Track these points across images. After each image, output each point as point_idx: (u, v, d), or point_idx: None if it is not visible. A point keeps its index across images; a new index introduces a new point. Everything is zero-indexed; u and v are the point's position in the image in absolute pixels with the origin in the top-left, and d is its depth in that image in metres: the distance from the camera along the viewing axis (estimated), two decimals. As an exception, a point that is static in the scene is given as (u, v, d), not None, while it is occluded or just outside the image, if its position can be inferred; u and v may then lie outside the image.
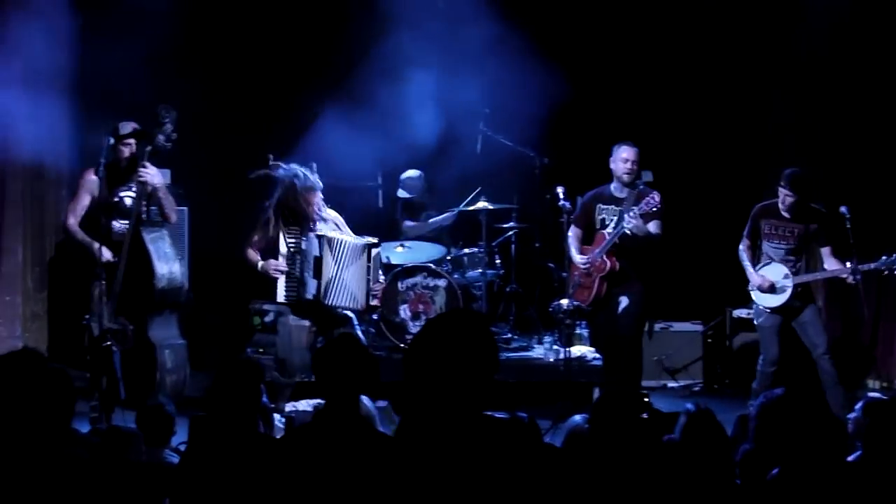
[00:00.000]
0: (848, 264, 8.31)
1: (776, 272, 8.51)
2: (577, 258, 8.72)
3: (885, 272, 8.34)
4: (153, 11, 9.84)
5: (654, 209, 8.44)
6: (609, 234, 8.60)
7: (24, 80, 9.46)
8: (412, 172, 10.76)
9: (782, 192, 8.40)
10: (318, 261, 8.17)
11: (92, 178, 8.06)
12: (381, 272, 8.47)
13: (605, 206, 8.72)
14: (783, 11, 10.43)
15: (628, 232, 8.40)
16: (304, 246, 8.16)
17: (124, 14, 9.88)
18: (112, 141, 8.02)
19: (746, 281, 8.68)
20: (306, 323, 8.16)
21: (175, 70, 10.17)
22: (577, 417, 5.20)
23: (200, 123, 8.45)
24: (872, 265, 8.30)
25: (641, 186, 8.60)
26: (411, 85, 10.27)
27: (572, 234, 8.89)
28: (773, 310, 8.56)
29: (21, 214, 10.07)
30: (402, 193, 10.71)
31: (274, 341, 9.66)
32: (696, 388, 10.17)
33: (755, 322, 8.83)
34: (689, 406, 4.76)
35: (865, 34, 9.96)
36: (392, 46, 10.37)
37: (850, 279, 8.32)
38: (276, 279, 8.16)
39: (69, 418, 4.02)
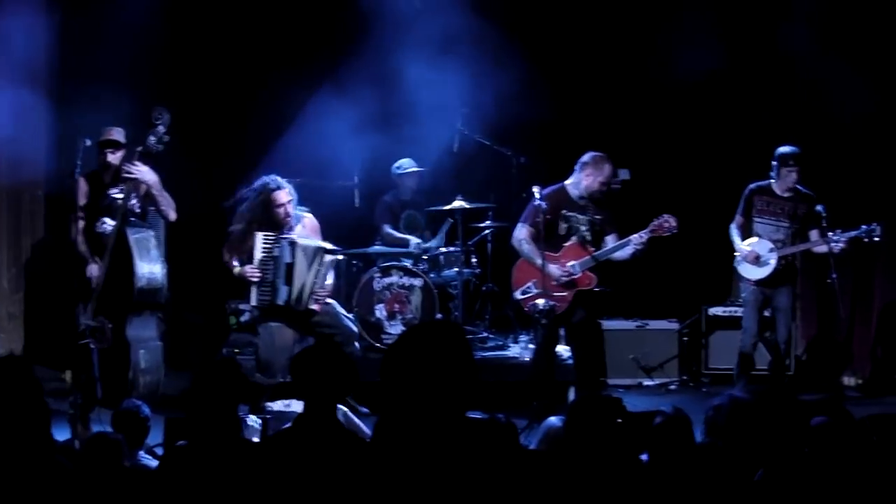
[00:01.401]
0: (829, 234, 8.62)
1: (762, 246, 8.87)
2: (555, 270, 8.30)
3: (865, 239, 8.70)
4: (133, 9, 9.84)
5: (670, 234, 8.34)
6: (597, 246, 8.46)
7: (2, 82, 9.42)
8: (410, 166, 10.64)
9: (786, 169, 8.77)
10: (290, 267, 8.24)
11: (82, 183, 8.04)
12: (328, 278, 8.46)
13: (570, 213, 8.44)
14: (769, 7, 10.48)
15: (627, 256, 8.37)
16: (276, 252, 8.23)
17: (104, 11, 9.88)
18: (88, 142, 8.00)
19: (724, 278, 8.87)
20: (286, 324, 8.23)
21: (154, 69, 10.16)
22: (553, 419, 5.23)
23: (180, 121, 8.43)
24: (853, 233, 8.66)
25: (615, 188, 8.60)
26: (388, 84, 10.26)
27: (528, 235, 8.43)
28: (757, 282, 8.85)
29: (-3, 216, 10.04)
30: (388, 197, 10.63)
31: (250, 340, 9.69)
32: (672, 387, 10.20)
33: (741, 295, 9.16)
34: (661, 412, 4.78)
35: (849, 28, 10.02)
36: (369, 46, 10.37)
37: (834, 247, 8.61)
38: (249, 284, 8.21)
39: (47, 426, 4.03)
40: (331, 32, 10.88)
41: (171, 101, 8.44)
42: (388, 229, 10.45)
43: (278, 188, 8.38)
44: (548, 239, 8.32)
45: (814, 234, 8.88)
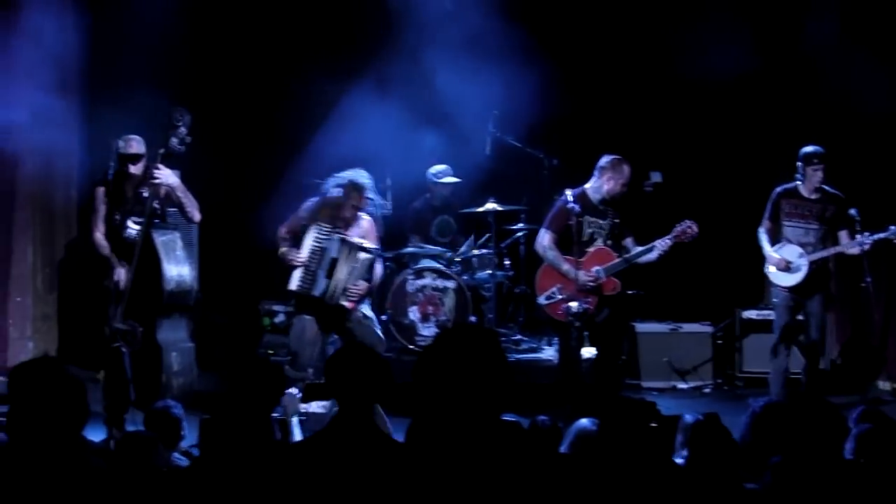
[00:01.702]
0: (857, 237, 8.56)
1: (791, 252, 8.77)
2: (584, 277, 8.26)
3: (895, 240, 8.60)
4: (161, 10, 9.88)
5: (692, 240, 8.38)
6: (617, 249, 8.45)
7: (31, 80, 9.48)
8: (447, 175, 10.65)
9: (811, 168, 8.69)
10: (335, 262, 8.23)
11: (101, 190, 8.05)
12: (364, 279, 8.41)
13: (592, 219, 8.43)
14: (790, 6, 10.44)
15: (654, 258, 8.37)
16: (325, 245, 8.24)
17: (133, 12, 9.92)
18: (122, 143, 8.02)
19: (757, 281, 8.80)
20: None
21: (183, 70, 10.20)
22: (584, 421, 5.20)
23: (209, 123, 8.46)
24: (882, 234, 8.58)
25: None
26: (420, 86, 10.26)
27: (552, 241, 8.45)
28: (789, 289, 8.77)
29: (30, 216, 10.08)
30: (418, 203, 10.62)
31: (284, 342, 9.72)
32: (706, 390, 10.14)
33: (772, 300, 9.06)
34: (688, 418, 4.76)
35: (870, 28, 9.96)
36: (400, 47, 10.38)
37: (859, 249, 8.57)
38: (293, 268, 8.22)
39: (82, 426, 4.03)
40: (361, 34, 10.90)
41: (200, 102, 8.49)
42: (416, 242, 10.45)
43: (363, 190, 8.35)
44: (570, 244, 8.34)
45: (843, 236, 8.78)
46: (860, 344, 10.25)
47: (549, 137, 10.63)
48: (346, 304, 8.28)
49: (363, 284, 8.35)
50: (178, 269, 7.93)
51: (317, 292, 8.26)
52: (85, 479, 3.82)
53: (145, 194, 7.90)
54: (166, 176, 7.90)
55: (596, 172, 8.49)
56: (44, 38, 9.59)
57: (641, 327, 10.36)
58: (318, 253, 8.27)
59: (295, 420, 6.42)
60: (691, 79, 10.71)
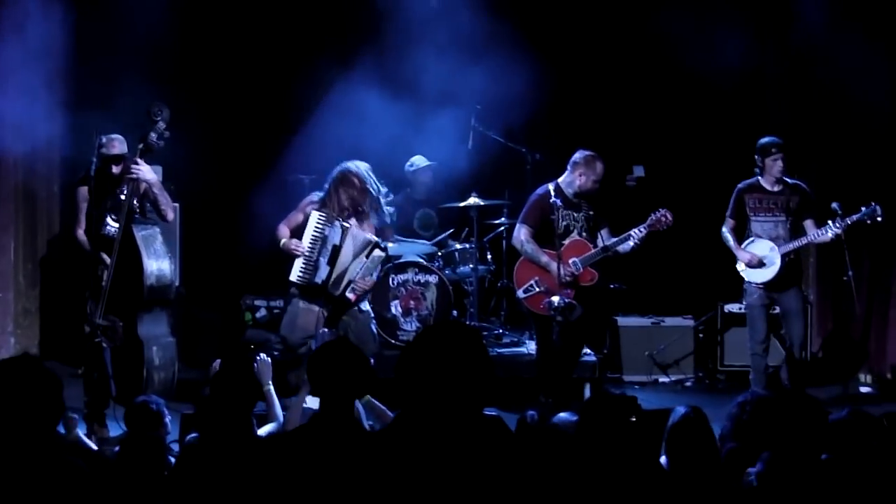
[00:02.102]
0: (828, 222, 8.50)
1: (762, 247, 8.72)
2: (560, 269, 8.22)
3: (868, 221, 8.50)
4: (148, 8, 9.87)
5: (666, 227, 8.36)
6: (595, 244, 8.46)
7: (15, 76, 9.46)
8: (421, 162, 10.61)
9: (770, 159, 8.67)
10: (336, 250, 8.21)
11: (83, 189, 8.04)
12: (374, 274, 8.43)
13: (566, 211, 8.43)
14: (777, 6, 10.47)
15: (627, 250, 8.36)
16: (326, 232, 8.21)
17: (119, 10, 9.91)
18: (104, 139, 8.01)
19: (737, 274, 8.78)
20: (316, 308, 8.21)
21: (168, 65, 10.20)
22: (564, 415, 5.22)
23: (192, 119, 8.44)
24: (855, 217, 8.49)
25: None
26: (402, 81, 10.25)
27: (528, 234, 8.49)
28: (764, 285, 8.70)
29: (13, 211, 10.07)
30: (399, 198, 10.62)
31: (266, 337, 9.71)
32: (688, 384, 10.19)
33: (745, 303, 8.94)
34: (679, 410, 4.76)
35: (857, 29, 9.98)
36: (383, 44, 10.38)
37: (832, 235, 8.49)
38: (295, 257, 8.20)
39: (56, 423, 4.03)
40: (345, 30, 10.89)
41: (185, 98, 8.48)
42: (398, 237, 10.46)
43: (350, 172, 8.30)
44: (545, 237, 8.40)
45: (810, 225, 8.71)
46: (841, 337, 10.29)
47: (531, 132, 10.63)
48: (350, 296, 8.28)
49: (370, 280, 8.36)
50: (158, 264, 7.90)
51: (318, 280, 8.24)
52: (60, 477, 3.82)
53: (124, 190, 7.88)
54: (144, 171, 7.88)
55: (569, 167, 8.53)
56: (28, 35, 9.57)
57: (623, 321, 10.41)
58: (319, 241, 8.24)
59: (270, 388, 6.46)
60: (674, 73, 10.77)
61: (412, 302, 9.84)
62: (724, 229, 8.88)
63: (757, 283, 8.73)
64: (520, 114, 10.38)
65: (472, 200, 10.11)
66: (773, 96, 10.78)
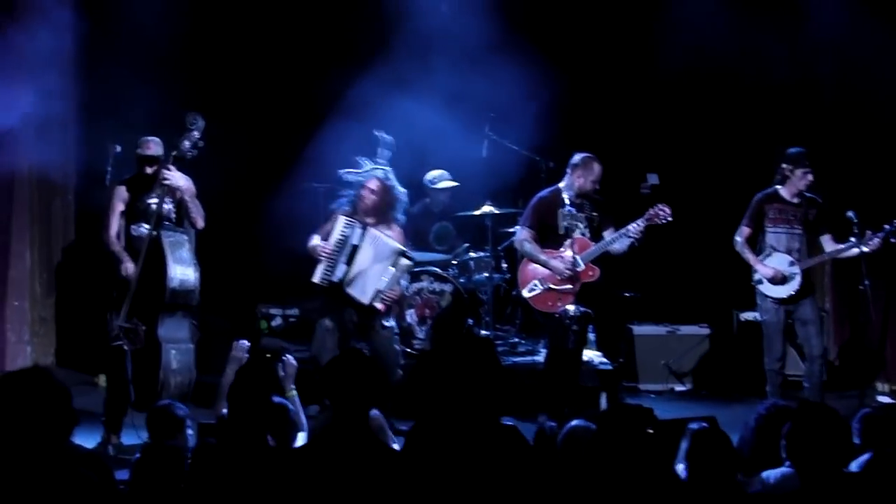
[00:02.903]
0: (852, 239, 8.45)
1: (780, 262, 8.65)
2: (559, 265, 8.42)
3: (892, 239, 8.50)
4: (160, 13, 9.89)
5: (665, 221, 8.35)
6: (597, 241, 8.50)
7: (31, 85, 9.47)
8: (444, 180, 10.61)
9: (801, 170, 8.59)
10: (355, 250, 8.26)
11: (121, 188, 8.08)
12: (402, 283, 8.48)
13: (567, 212, 8.49)
14: (785, 16, 10.44)
15: (625, 247, 8.36)
16: (348, 233, 8.28)
17: (130, 18, 9.92)
18: (119, 149, 8.06)
19: (751, 282, 8.74)
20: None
21: (181, 73, 10.20)
22: (575, 422, 5.20)
23: (208, 127, 8.43)
24: (879, 234, 8.48)
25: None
26: (417, 89, 10.25)
27: (529, 236, 8.63)
28: (782, 301, 8.64)
29: (28, 220, 10.11)
30: (416, 209, 10.63)
31: (281, 345, 9.72)
32: (703, 392, 10.15)
33: (760, 319, 8.89)
34: (693, 426, 4.74)
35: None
36: (397, 51, 10.37)
37: (858, 250, 8.48)
38: (320, 259, 8.24)
39: (68, 434, 4.02)
40: (358, 38, 10.88)
41: (199, 104, 8.44)
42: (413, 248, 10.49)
43: (371, 177, 8.46)
44: (548, 239, 8.57)
45: (827, 240, 8.72)
46: (858, 346, 10.25)
47: (545, 140, 10.61)
48: (379, 306, 8.32)
49: (398, 290, 8.41)
50: (182, 270, 7.94)
51: (335, 277, 8.29)
52: (72, 489, 3.81)
53: (155, 195, 7.92)
54: (175, 178, 7.93)
55: (568, 170, 8.64)
56: (41, 42, 9.60)
57: (639, 329, 10.38)
58: (343, 242, 8.32)
59: (294, 393, 6.48)
60: (690, 80, 10.75)
61: (427, 310, 9.84)
62: (738, 238, 8.80)
63: (774, 298, 8.67)
64: (534, 122, 10.35)
65: (487, 209, 10.11)
66: (783, 103, 10.73)
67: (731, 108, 10.86)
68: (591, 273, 8.47)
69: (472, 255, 10.27)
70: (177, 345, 7.93)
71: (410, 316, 9.86)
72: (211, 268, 9.80)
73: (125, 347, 7.73)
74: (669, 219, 8.33)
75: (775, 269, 8.60)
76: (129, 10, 9.96)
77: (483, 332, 9.92)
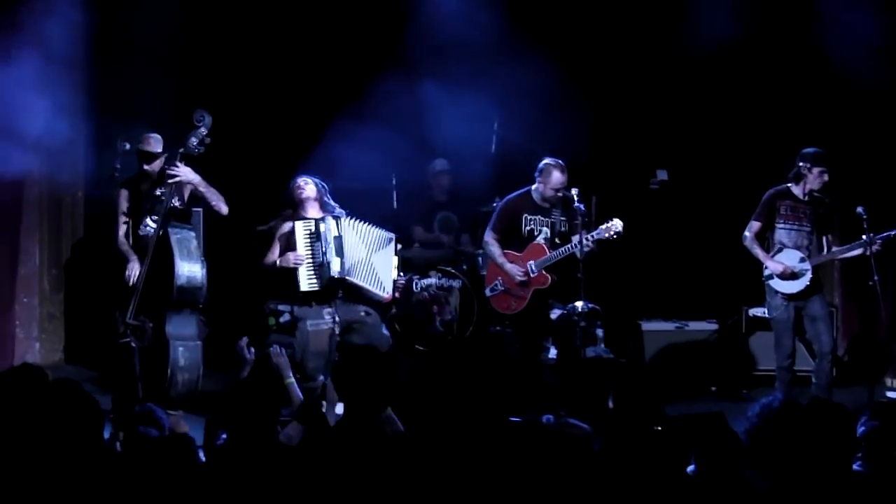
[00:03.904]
0: (863, 237, 8.43)
1: (791, 257, 8.65)
2: (513, 269, 8.64)
3: None
4: (169, 12, 9.90)
5: (614, 237, 8.44)
6: (553, 250, 8.59)
7: (40, 83, 9.48)
8: (441, 167, 10.74)
9: (819, 169, 8.55)
10: (339, 240, 8.26)
11: (124, 192, 8.11)
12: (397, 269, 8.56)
13: (532, 216, 8.71)
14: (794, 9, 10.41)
15: (578, 256, 8.36)
16: (321, 229, 8.25)
17: (140, 13, 9.93)
18: (127, 146, 8.06)
19: (761, 278, 8.73)
20: (325, 327, 8.20)
21: (189, 72, 10.21)
22: (573, 421, 5.19)
23: (214, 122, 8.44)
24: (890, 233, 8.46)
25: (569, 195, 8.57)
26: (426, 85, 10.25)
27: (493, 238, 8.83)
28: (791, 297, 8.64)
29: (37, 218, 10.13)
30: (425, 197, 10.67)
31: (290, 342, 9.69)
32: (712, 388, 10.13)
33: (770, 316, 8.88)
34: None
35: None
36: (406, 47, 10.37)
37: (868, 250, 8.41)
38: (296, 269, 8.22)
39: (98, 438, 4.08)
40: (367, 35, 10.87)
41: (206, 101, 8.46)
42: (420, 233, 10.48)
43: (295, 178, 8.54)
44: (512, 241, 8.76)
45: (832, 238, 8.77)
46: (867, 341, 10.23)
47: (554, 136, 10.59)
48: (397, 295, 8.38)
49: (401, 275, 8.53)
50: (189, 267, 7.95)
51: (334, 273, 8.26)
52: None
53: (162, 193, 7.93)
54: (184, 174, 7.93)
55: (536, 174, 8.77)
56: (50, 40, 9.61)
57: (647, 325, 10.36)
58: (316, 242, 8.27)
59: (292, 380, 6.48)
60: (699, 76, 10.73)
61: (435, 306, 9.84)
62: (748, 234, 8.78)
63: (784, 294, 8.67)
64: (542, 117, 10.34)
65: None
66: (794, 99, 10.70)
67: (741, 104, 10.82)
68: (543, 280, 8.63)
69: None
70: (184, 342, 7.94)
71: (419, 312, 9.87)
72: (219, 264, 9.84)
73: (132, 345, 7.74)
74: (620, 233, 8.45)
75: (785, 266, 8.59)
76: (139, 5, 9.96)
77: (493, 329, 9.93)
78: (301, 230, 8.33)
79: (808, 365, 9.19)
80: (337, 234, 8.30)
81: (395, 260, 8.40)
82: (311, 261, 8.28)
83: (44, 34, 9.54)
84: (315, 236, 8.29)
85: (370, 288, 8.35)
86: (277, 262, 8.35)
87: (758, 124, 10.78)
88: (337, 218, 8.34)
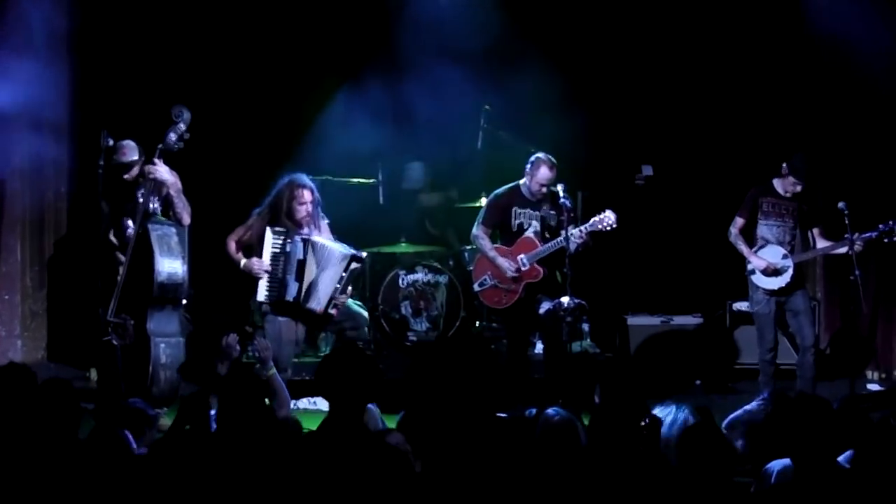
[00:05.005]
0: (846, 236, 8.44)
1: (774, 253, 8.71)
2: (504, 263, 8.63)
3: (885, 240, 8.51)
4: (155, 8, 9.90)
5: (608, 229, 8.45)
6: (543, 243, 8.61)
7: (23, 77, 9.45)
8: (414, 164, 10.85)
9: (791, 178, 8.61)
10: (302, 264, 8.21)
11: (103, 203, 8.12)
12: (350, 289, 8.42)
13: (522, 210, 8.75)
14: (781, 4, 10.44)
15: (571, 250, 8.32)
16: (288, 249, 8.21)
17: (124, 8, 9.91)
18: (111, 141, 8.02)
19: (745, 273, 8.76)
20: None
21: (177, 67, 10.18)
22: (550, 411, 5.20)
23: (202, 118, 8.42)
24: (872, 234, 8.48)
25: (556, 191, 8.57)
26: (412, 80, 10.24)
27: (483, 232, 8.84)
28: (774, 293, 8.68)
29: (20, 214, 10.07)
30: (404, 185, 10.73)
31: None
32: (696, 382, 10.15)
33: (752, 310, 8.93)
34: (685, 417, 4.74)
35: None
36: (393, 43, 10.35)
37: (851, 249, 8.41)
38: (258, 278, 8.19)
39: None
40: (354, 30, 10.84)
41: (193, 99, 8.44)
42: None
43: (303, 186, 8.37)
44: (503, 235, 8.84)
45: (817, 233, 8.77)
46: (849, 335, 10.27)
47: (540, 131, 10.60)
48: (333, 312, 8.28)
49: (350, 291, 8.37)
50: (170, 263, 7.92)
51: (289, 297, 8.24)
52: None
53: (141, 191, 7.91)
54: (161, 172, 7.91)
55: (526, 166, 8.79)
56: (33, 34, 9.58)
57: (633, 320, 10.37)
58: (282, 258, 8.24)
59: (275, 372, 6.53)
60: (684, 71, 10.74)
61: (422, 302, 9.84)
62: (733, 230, 8.82)
63: (766, 290, 8.70)
64: (529, 113, 10.34)
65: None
66: (778, 95, 10.72)
67: (726, 99, 10.83)
68: (534, 274, 8.64)
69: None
70: (166, 339, 7.92)
71: (405, 308, 9.87)
72: (205, 261, 9.82)
73: (114, 342, 7.72)
74: (614, 225, 8.45)
75: (767, 262, 8.62)
76: (124, 4, 9.95)
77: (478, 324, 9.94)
78: (270, 241, 8.27)
79: (792, 359, 9.23)
80: (301, 258, 8.25)
81: (341, 277, 8.27)
82: (273, 274, 8.24)
83: (28, 30, 9.53)
84: (281, 253, 8.25)
85: (311, 307, 8.29)
86: (242, 263, 8.30)
87: (743, 120, 10.79)
88: (306, 241, 8.27)
